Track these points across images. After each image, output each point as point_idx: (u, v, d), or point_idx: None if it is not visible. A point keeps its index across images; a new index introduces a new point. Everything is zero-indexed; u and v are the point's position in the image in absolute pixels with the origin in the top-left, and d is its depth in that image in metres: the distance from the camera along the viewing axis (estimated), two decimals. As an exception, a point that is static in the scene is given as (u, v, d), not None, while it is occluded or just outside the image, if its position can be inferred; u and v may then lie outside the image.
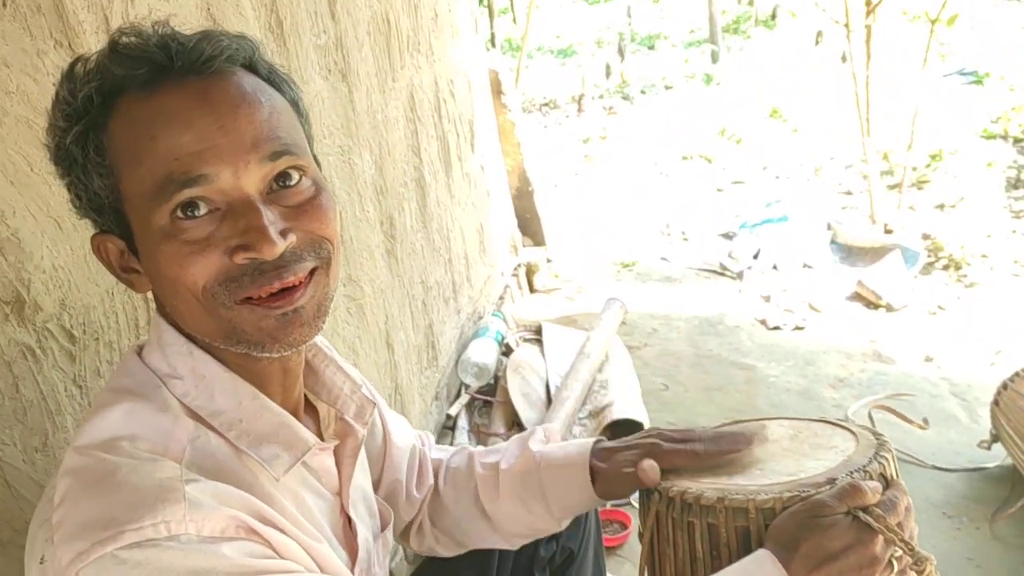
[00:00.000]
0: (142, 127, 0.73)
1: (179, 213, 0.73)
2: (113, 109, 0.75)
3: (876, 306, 3.81)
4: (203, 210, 0.74)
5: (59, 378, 1.13)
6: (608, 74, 9.53)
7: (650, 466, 1.03)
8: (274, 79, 0.82)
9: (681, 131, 7.21)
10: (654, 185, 6.15)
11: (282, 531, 0.76)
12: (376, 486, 1.16)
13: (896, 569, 0.88)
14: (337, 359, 1.00)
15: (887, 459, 0.97)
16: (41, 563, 0.71)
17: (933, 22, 4.24)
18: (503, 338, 3.22)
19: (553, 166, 6.64)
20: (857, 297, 3.92)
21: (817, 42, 8.82)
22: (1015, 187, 4.94)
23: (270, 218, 0.74)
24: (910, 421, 2.59)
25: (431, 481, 1.25)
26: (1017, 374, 2.43)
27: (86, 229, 1.15)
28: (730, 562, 0.91)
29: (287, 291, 0.77)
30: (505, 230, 3.98)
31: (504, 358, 3.14)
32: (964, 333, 3.54)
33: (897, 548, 0.86)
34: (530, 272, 4.20)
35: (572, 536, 1.32)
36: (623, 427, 2.65)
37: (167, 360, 0.82)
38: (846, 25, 4.42)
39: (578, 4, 14.74)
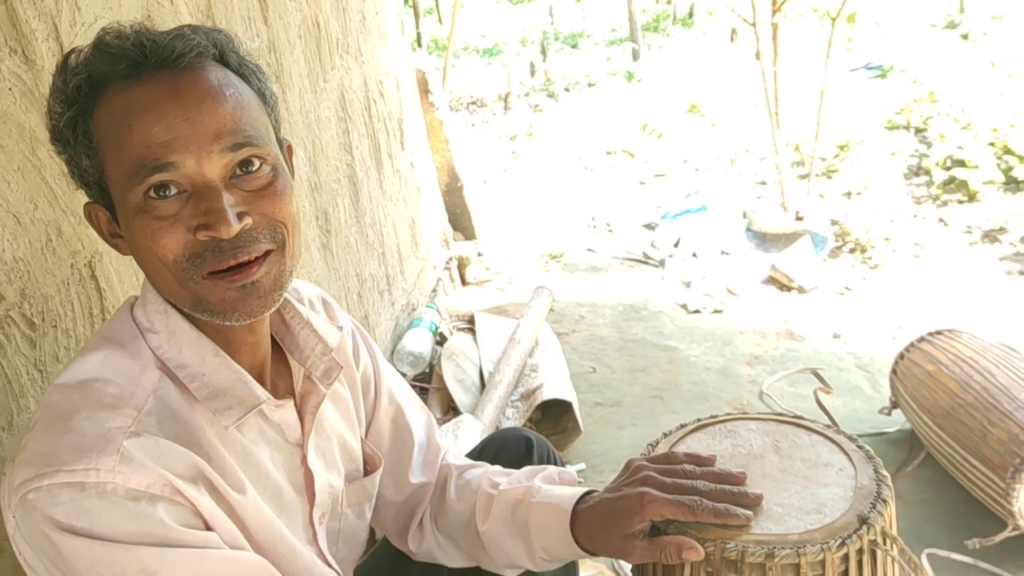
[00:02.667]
0: (121, 116, 0.83)
1: (151, 193, 0.84)
2: (99, 99, 0.84)
3: (788, 288, 4.04)
4: (173, 191, 0.84)
5: (21, 363, 1.21)
6: (533, 72, 9.71)
7: (693, 549, 0.93)
8: (243, 71, 0.91)
9: (604, 127, 7.41)
10: (580, 179, 6.34)
11: (210, 490, 0.86)
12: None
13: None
14: (313, 322, 1.07)
15: (886, 477, 1.00)
16: (3, 474, 0.83)
17: (834, 19, 4.49)
18: (437, 328, 3.32)
19: (482, 163, 6.75)
20: (771, 281, 4.15)
21: (732, 39, 9.15)
22: (916, 175, 5.25)
23: (229, 201, 0.84)
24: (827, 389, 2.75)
25: (434, 478, 1.25)
26: (912, 344, 2.59)
27: (43, 224, 1.24)
28: None
29: (244, 266, 0.87)
30: (436, 225, 4.08)
31: (438, 347, 3.25)
32: (868, 311, 3.78)
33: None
34: (462, 265, 4.31)
35: None
36: (553, 407, 2.80)
37: (147, 316, 0.92)
38: (753, 24, 4.64)
39: (502, 4, 14.92)
